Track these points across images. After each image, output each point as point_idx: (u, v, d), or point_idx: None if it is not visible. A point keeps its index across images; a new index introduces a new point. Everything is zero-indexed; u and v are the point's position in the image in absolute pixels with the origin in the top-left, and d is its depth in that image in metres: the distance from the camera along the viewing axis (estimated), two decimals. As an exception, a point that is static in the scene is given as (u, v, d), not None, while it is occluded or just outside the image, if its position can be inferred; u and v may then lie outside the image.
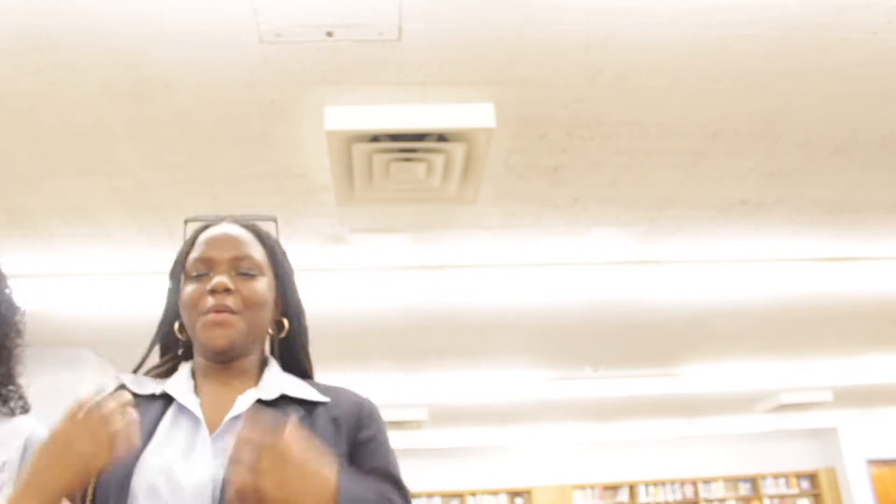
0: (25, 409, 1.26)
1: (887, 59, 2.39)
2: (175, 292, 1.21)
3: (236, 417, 1.08)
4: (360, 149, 2.54)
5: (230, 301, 1.13)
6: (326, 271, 3.82)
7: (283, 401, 1.13)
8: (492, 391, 7.00)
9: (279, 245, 1.26)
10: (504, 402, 7.64)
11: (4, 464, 1.11)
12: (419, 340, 5.26)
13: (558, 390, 7.09)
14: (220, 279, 1.13)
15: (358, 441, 1.13)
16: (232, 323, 1.13)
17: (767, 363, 6.66)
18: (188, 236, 1.24)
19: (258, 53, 2.22)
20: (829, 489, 10.81)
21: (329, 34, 2.15)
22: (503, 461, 10.84)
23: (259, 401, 1.12)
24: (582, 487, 10.89)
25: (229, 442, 1.03)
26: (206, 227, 1.23)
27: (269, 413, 1.06)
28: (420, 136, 2.53)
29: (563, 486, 10.81)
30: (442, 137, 2.54)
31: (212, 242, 1.19)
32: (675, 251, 3.90)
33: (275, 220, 1.31)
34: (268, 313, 1.19)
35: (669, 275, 4.16)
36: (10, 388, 1.25)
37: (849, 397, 8.39)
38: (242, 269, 1.16)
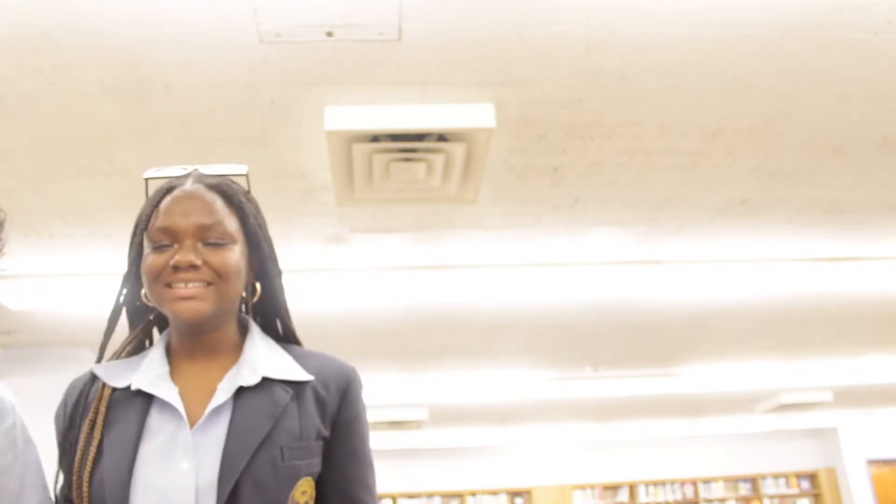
0: None
1: (887, 59, 2.39)
2: (136, 258, 1.12)
3: (219, 407, 1.04)
4: (360, 149, 2.54)
5: (195, 277, 1.05)
6: (326, 271, 3.82)
7: (268, 381, 1.07)
8: (492, 391, 7.00)
9: (249, 201, 1.16)
10: (504, 402, 7.64)
11: None
12: (419, 340, 5.26)
13: (558, 390, 7.09)
14: (186, 256, 1.04)
15: (340, 420, 1.11)
16: (202, 295, 1.05)
17: (767, 363, 6.66)
18: (150, 195, 1.14)
19: (258, 53, 2.22)
20: (829, 489, 10.81)
21: (329, 34, 2.15)
22: (503, 461, 10.84)
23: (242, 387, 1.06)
24: (582, 487, 10.89)
25: (212, 435, 1.02)
26: (168, 188, 1.12)
27: (255, 400, 1.04)
28: (420, 136, 2.53)
29: (563, 486, 10.81)
30: (442, 137, 2.54)
31: (175, 209, 1.08)
32: (675, 251, 3.90)
33: (245, 175, 1.20)
34: (241, 280, 1.11)
35: (669, 275, 4.16)
36: None
37: (849, 397, 8.39)
38: (210, 239, 1.07)
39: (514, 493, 10.84)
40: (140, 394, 1.06)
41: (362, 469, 1.13)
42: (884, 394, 8.48)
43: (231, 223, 1.11)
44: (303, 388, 1.09)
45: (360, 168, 2.63)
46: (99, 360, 1.15)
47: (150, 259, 1.07)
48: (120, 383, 1.08)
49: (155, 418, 1.04)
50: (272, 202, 3.14)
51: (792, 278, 4.28)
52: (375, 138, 2.53)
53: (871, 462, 10.58)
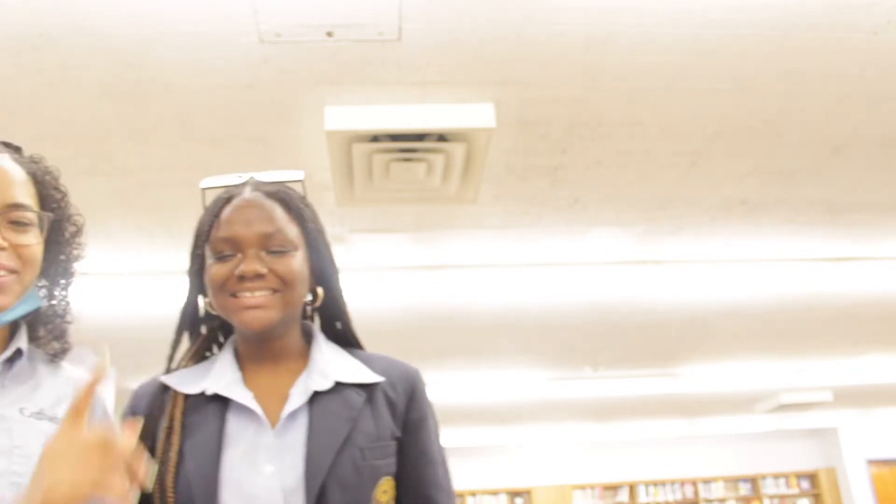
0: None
1: (887, 59, 2.39)
2: (198, 270, 1.13)
3: (295, 411, 1.06)
4: (360, 149, 2.54)
5: (261, 286, 1.06)
6: (326, 271, 3.81)
7: (340, 385, 1.09)
8: (492, 391, 7.01)
9: (308, 207, 1.17)
10: (504, 402, 7.64)
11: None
12: (419, 340, 5.26)
13: (558, 390, 7.09)
14: (251, 266, 1.06)
15: (409, 421, 1.13)
16: (268, 304, 1.06)
17: (767, 363, 6.67)
18: (208, 204, 1.15)
19: (258, 53, 2.22)
20: (829, 489, 10.82)
21: (329, 34, 2.15)
22: (503, 461, 10.84)
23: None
24: (582, 487, 10.89)
25: (291, 439, 1.04)
26: (228, 197, 1.14)
27: (330, 404, 1.06)
28: (420, 136, 2.53)
29: (563, 486, 10.82)
30: (442, 137, 2.54)
31: (237, 219, 1.09)
32: (675, 251, 3.90)
33: (301, 180, 1.21)
34: (305, 287, 1.12)
35: (669, 275, 4.17)
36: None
37: (849, 397, 8.39)
38: (273, 247, 1.08)
39: (514, 493, 10.84)
40: (215, 399, 1.08)
41: (434, 469, 1.14)
42: (884, 394, 8.48)
43: (292, 230, 1.12)
44: (373, 390, 1.11)
45: (360, 168, 2.63)
46: (168, 370, 1.17)
47: (215, 269, 1.08)
48: (192, 390, 1.09)
49: (233, 423, 1.06)
50: (272, 202, 3.14)
51: (792, 278, 4.28)
52: (375, 138, 2.53)
53: (871, 462, 10.59)
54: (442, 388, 6.82)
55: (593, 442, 10.74)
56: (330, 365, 1.12)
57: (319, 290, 1.16)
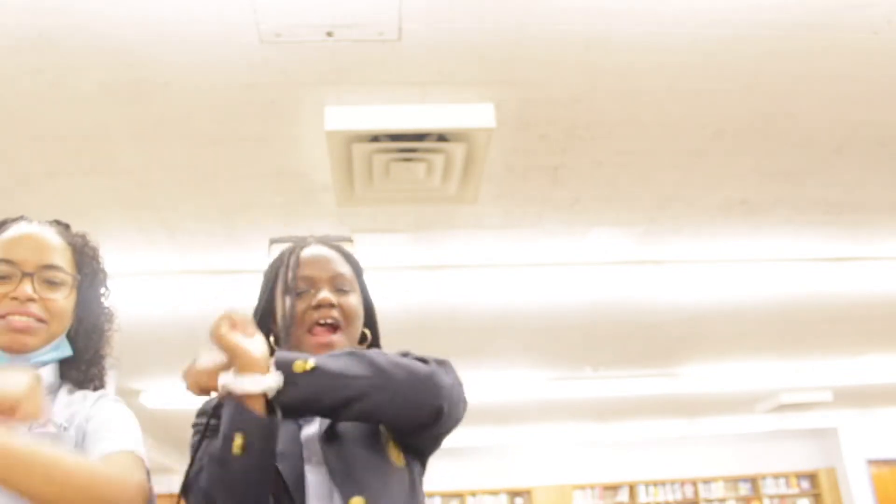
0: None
1: (887, 59, 2.39)
2: (267, 306, 1.30)
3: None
4: (360, 149, 2.54)
5: (335, 314, 1.24)
6: (326, 271, 3.81)
7: None
8: (492, 391, 7.00)
9: (359, 263, 1.38)
10: (504, 402, 7.64)
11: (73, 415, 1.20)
12: (419, 340, 5.24)
13: (558, 390, 7.08)
14: (326, 294, 1.25)
15: None
16: (337, 340, 1.24)
17: (767, 363, 6.67)
18: (277, 255, 1.34)
19: (258, 53, 2.22)
20: (829, 489, 10.81)
21: (329, 34, 2.15)
22: (503, 461, 10.84)
23: None
24: (582, 487, 10.88)
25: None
26: (295, 248, 1.32)
27: None
28: (420, 136, 2.53)
29: (563, 486, 10.81)
30: (442, 137, 2.54)
31: (312, 262, 1.29)
32: (675, 251, 3.90)
33: (351, 240, 1.44)
34: (360, 324, 1.31)
35: (669, 275, 4.16)
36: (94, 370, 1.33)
37: (849, 397, 8.39)
38: (339, 286, 1.28)
39: (514, 493, 10.83)
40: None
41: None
42: (884, 394, 8.48)
43: (350, 276, 1.32)
44: None
45: (360, 168, 2.63)
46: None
47: (292, 305, 1.25)
48: None
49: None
50: (272, 202, 3.14)
51: (792, 278, 4.28)
52: (375, 138, 2.53)
53: (871, 462, 10.58)
54: (442, 388, 6.81)
55: (593, 442, 10.73)
56: None
57: (367, 332, 1.35)
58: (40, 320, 1.20)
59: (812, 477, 11.08)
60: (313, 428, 1.18)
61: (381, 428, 1.18)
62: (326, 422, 1.15)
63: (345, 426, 1.15)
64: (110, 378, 1.29)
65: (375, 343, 1.38)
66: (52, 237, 1.27)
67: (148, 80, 2.32)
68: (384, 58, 2.27)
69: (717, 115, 2.67)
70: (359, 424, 1.15)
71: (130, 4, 2.01)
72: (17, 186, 2.90)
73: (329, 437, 1.14)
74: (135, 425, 1.23)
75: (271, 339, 1.27)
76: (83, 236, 1.35)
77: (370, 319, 1.37)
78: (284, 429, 1.10)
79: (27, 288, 1.19)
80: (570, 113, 2.61)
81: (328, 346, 1.22)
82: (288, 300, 1.25)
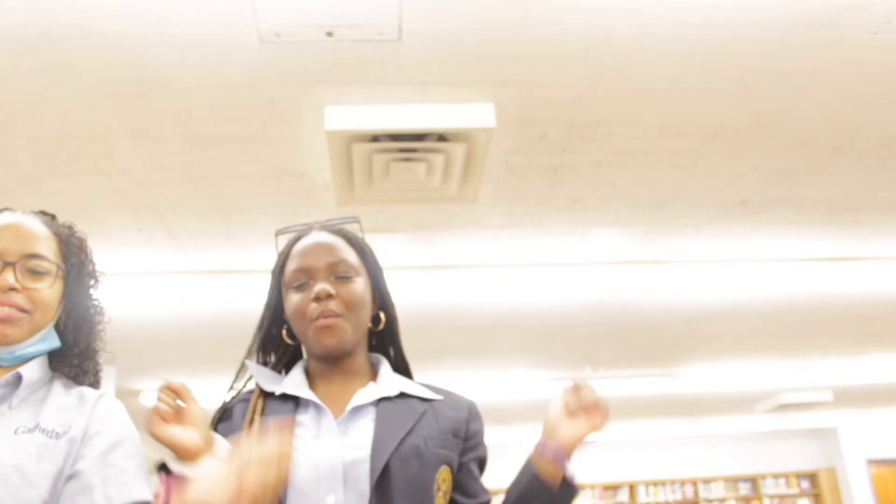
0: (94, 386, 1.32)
1: (887, 59, 2.39)
2: (273, 301, 1.30)
3: (359, 407, 1.19)
4: (360, 149, 2.54)
5: (333, 305, 1.21)
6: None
7: (402, 397, 1.23)
8: (492, 391, 7.01)
9: (367, 244, 1.34)
10: (504, 402, 7.64)
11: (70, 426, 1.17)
12: (419, 340, 5.24)
13: (558, 390, 7.08)
14: (322, 286, 1.21)
15: (468, 433, 1.26)
16: (339, 326, 1.21)
17: (767, 363, 6.67)
18: (281, 247, 1.32)
19: (258, 53, 2.22)
20: (829, 489, 10.82)
21: (329, 34, 2.15)
22: (503, 461, 10.83)
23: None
24: (582, 487, 10.89)
25: (359, 426, 1.17)
26: (297, 238, 1.30)
27: (395, 407, 1.20)
28: (420, 136, 2.53)
29: (563, 486, 10.80)
30: (442, 137, 2.54)
31: (308, 252, 1.26)
32: (675, 251, 3.90)
33: (358, 221, 1.38)
34: (367, 311, 1.27)
35: (669, 275, 4.16)
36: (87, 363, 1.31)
37: (849, 397, 8.39)
38: (339, 274, 1.24)
39: (514, 493, 10.83)
40: (286, 398, 1.22)
41: (475, 484, 1.27)
42: (884, 394, 8.49)
43: (354, 260, 1.28)
44: (436, 404, 1.26)
45: (360, 168, 2.63)
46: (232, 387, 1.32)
47: (294, 299, 1.24)
48: (269, 388, 1.25)
49: (301, 416, 1.20)
50: (272, 202, 3.14)
51: (792, 278, 4.28)
52: (375, 138, 2.53)
53: (871, 462, 10.59)
54: (442, 388, 6.82)
55: (593, 442, 10.74)
56: (395, 381, 1.27)
57: (382, 315, 1.32)
58: (23, 310, 1.17)
59: (812, 477, 11.09)
60: (331, 452, 1.13)
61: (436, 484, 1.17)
62: (357, 455, 1.13)
63: (397, 471, 1.13)
64: (109, 376, 1.26)
65: (390, 331, 1.34)
66: (37, 226, 1.25)
67: (148, 80, 2.32)
68: (384, 58, 2.27)
69: (717, 115, 2.67)
70: (413, 474, 1.13)
71: (130, 4, 2.01)
72: (18, 186, 2.90)
73: (380, 487, 1.11)
74: (141, 452, 1.20)
75: (284, 331, 1.29)
76: (69, 227, 1.32)
77: (385, 302, 1.33)
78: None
79: (9, 277, 1.16)
80: (570, 113, 2.61)
81: (330, 328, 1.20)
82: (291, 295, 1.24)
